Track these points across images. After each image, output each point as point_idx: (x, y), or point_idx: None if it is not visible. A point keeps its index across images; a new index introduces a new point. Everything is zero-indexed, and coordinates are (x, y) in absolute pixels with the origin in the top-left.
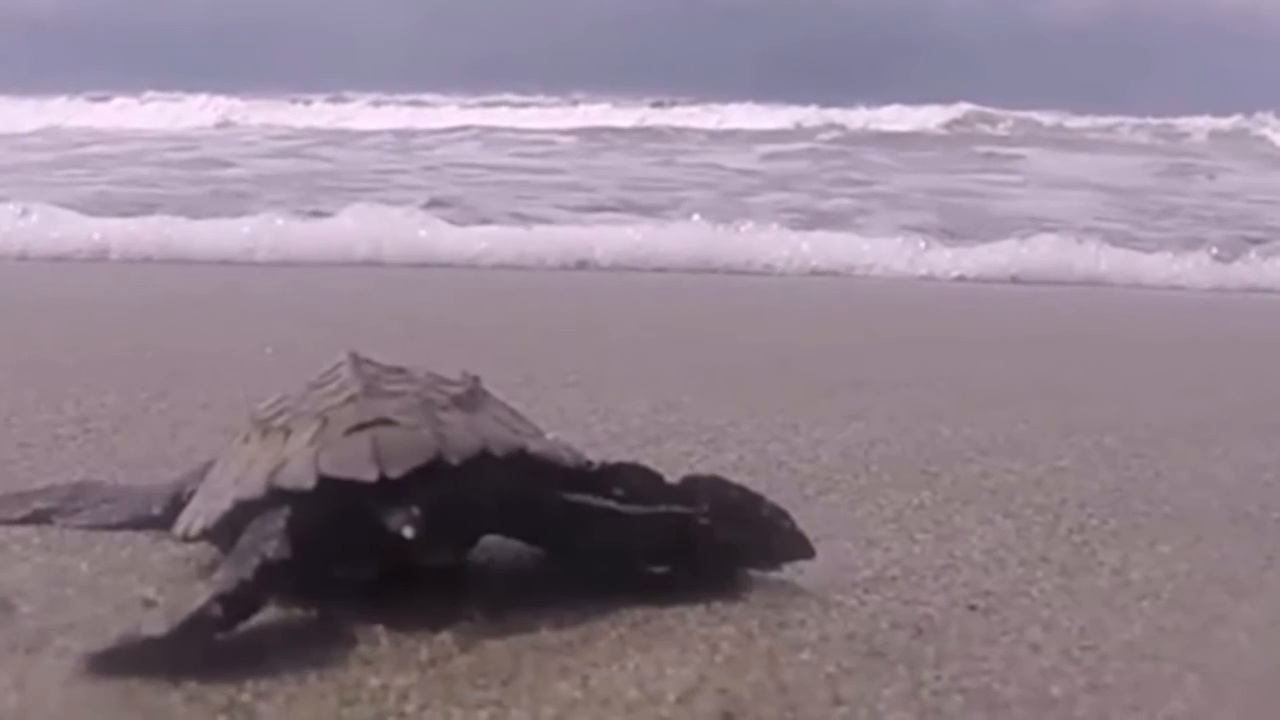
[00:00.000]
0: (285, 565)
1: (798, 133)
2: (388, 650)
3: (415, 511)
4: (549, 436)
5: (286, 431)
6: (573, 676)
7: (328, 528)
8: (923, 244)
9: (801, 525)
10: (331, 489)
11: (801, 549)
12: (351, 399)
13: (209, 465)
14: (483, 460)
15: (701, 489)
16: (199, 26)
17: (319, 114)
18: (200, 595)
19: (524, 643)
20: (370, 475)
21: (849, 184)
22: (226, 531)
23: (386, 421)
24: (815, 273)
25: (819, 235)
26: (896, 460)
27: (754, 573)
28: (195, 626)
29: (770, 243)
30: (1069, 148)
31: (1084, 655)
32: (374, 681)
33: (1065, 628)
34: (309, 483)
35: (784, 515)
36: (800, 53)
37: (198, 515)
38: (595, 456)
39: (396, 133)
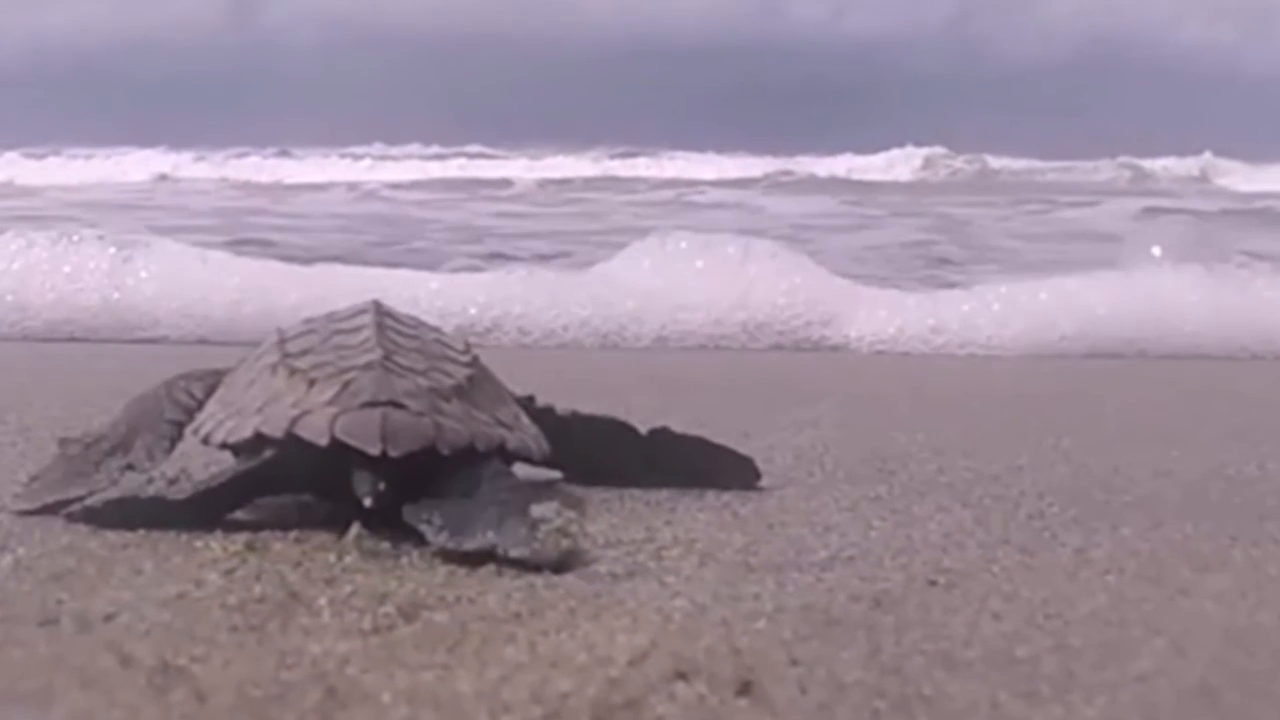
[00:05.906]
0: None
1: (766, 180)
2: (330, 621)
3: (381, 487)
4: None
5: (310, 382)
6: (520, 643)
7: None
8: None
9: None
10: (338, 449)
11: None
12: (369, 367)
13: (219, 372)
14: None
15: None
16: (139, 82)
17: (274, 169)
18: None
19: (470, 613)
20: (374, 450)
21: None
22: (242, 449)
23: (397, 405)
24: None
25: None
26: None
27: (705, 552)
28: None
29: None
30: (1048, 191)
31: (1048, 622)
32: (315, 648)
33: (1028, 599)
34: (323, 440)
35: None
36: (734, 103)
37: (219, 427)
38: None
39: (382, 185)
